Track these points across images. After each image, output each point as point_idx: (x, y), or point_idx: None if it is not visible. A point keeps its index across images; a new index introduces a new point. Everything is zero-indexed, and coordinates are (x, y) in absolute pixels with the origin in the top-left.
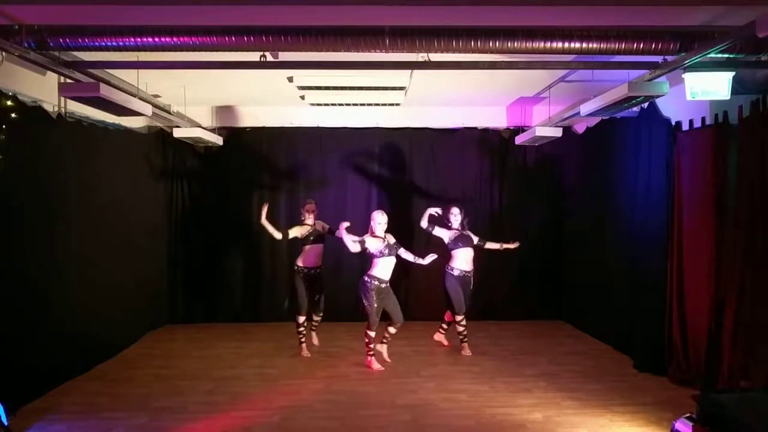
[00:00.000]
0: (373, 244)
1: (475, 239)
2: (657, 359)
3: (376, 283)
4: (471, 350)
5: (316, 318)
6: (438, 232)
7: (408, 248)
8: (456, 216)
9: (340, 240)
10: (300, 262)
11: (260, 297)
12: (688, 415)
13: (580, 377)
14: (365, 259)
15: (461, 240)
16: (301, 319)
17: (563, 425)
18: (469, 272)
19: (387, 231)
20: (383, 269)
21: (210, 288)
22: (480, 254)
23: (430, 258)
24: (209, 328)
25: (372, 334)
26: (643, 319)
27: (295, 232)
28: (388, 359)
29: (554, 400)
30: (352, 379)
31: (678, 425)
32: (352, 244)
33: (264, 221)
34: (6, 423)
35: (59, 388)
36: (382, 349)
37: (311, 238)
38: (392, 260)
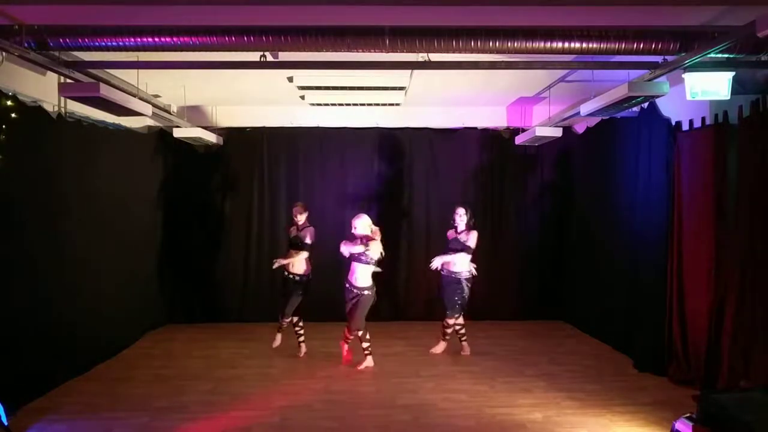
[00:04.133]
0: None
1: (468, 241)
2: (657, 359)
3: (347, 285)
4: (470, 350)
5: (284, 321)
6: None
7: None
8: (461, 216)
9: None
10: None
11: (260, 297)
12: (688, 415)
13: (580, 377)
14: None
15: (453, 243)
16: (295, 320)
17: (563, 425)
18: (457, 273)
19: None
20: (356, 274)
21: (210, 288)
22: (480, 253)
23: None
24: (209, 328)
25: (359, 333)
26: (643, 319)
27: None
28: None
29: (554, 400)
30: (352, 379)
31: (678, 425)
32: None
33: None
34: (6, 423)
35: (59, 388)
36: (344, 347)
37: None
38: (366, 268)
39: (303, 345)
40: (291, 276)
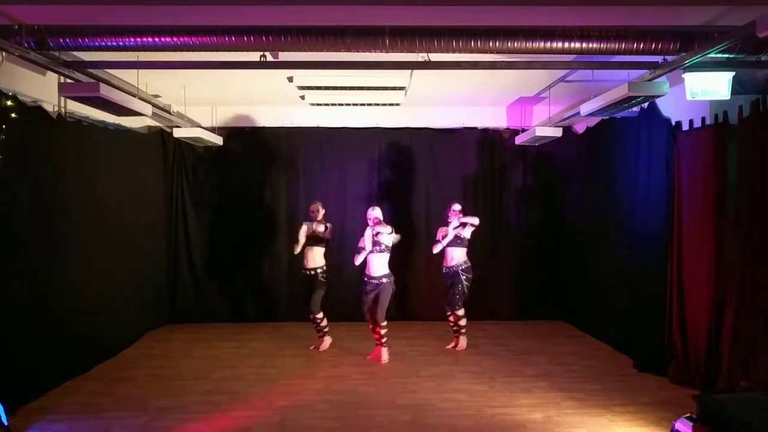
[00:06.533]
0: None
1: (466, 232)
2: (657, 359)
3: (365, 279)
4: (469, 350)
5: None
6: (445, 235)
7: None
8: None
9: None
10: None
11: (260, 297)
12: (688, 415)
13: (580, 377)
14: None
15: (455, 239)
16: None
17: (563, 425)
18: (454, 267)
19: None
20: (373, 266)
21: (210, 288)
22: (480, 253)
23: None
24: (209, 328)
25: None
26: (643, 319)
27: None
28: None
29: (554, 400)
30: (352, 379)
31: (678, 425)
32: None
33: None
34: (6, 423)
35: (59, 388)
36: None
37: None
38: (381, 256)
39: (328, 337)
40: (308, 272)
